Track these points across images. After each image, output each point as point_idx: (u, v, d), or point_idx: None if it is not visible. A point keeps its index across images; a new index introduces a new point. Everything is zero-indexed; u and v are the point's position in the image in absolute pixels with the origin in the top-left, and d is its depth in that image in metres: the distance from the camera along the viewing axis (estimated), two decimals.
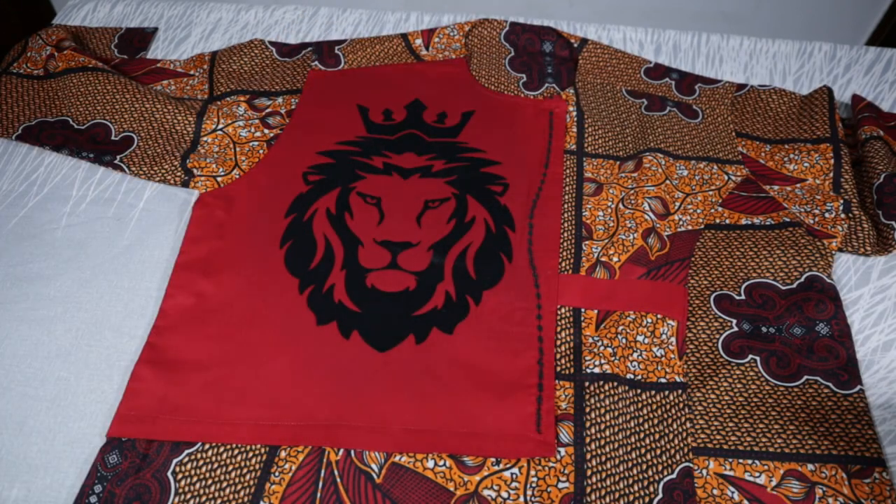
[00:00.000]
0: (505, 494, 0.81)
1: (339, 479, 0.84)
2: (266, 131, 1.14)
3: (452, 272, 0.98)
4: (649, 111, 1.16)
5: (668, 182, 1.06)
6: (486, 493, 0.82)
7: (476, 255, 1.00)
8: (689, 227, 1.02)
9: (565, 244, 1.01)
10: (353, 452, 0.85)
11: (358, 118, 1.16)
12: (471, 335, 0.93)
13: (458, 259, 0.99)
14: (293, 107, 1.18)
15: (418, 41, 1.27)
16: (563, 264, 0.99)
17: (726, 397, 0.89)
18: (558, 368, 0.90)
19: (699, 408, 0.88)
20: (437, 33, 1.27)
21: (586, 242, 1.01)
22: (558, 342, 0.93)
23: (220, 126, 1.14)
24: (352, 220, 1.03)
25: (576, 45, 1.24)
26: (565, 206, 1.05)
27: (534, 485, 0.82)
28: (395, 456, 0.85)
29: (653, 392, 0.88)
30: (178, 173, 1.09)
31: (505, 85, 1.21)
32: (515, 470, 0.83)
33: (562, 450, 0.84)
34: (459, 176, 1.08)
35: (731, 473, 0.83)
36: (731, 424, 0.86)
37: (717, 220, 1.03)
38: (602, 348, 0.91)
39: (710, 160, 1.09)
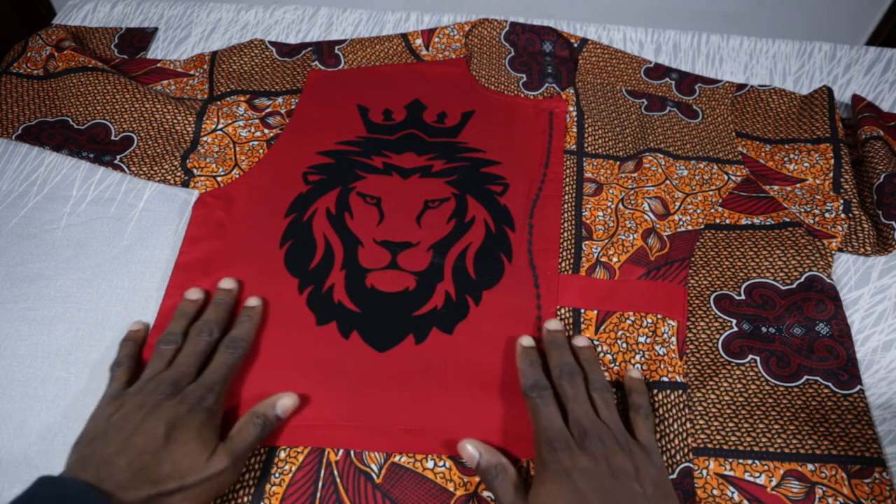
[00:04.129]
0: None
1: (338, 480, 0.84)
2: (266, 131, 1.14)
3: (452, 272, 0.98)
4: (649, 111, 1.16)
5: (668, 182, 1.06)
6: (486, 493, 0.82)
7: (476, 255, 0.99)
8: (689, 228, 1.02)
9: (565, 244, 1.01)
10: (352, 453, 0.85)
11: (358, 118, 1.16)
12: (470, 335, 0.93)
13: (457, 259, 0.99)
14: (293, 107, 1.18)
15: (418, 41, 1.27)
16: (563, 264, 0.99)
17: (726, 397, 0.89)
18: None
19: (699, 408, 0.88)
20: (437, 33, 1.27)
21: (586, 242, 1.01)
22: None
23: (220, 126, 1.14)
24: (352, 220, 1.03)
25: (576, 45, 1.24)
26: (565, 206, 1.05)
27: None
28: (394, 456, 0.85)
29: (654, 391, 0.88)
30: (178, 173, 1.09)
31: (505, 85, 1.20)
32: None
33: None
34: (459, 176, 1.07)
35: (731, 473, 0.83)
36: (731, 424, 0.87)
37: (717, 220, 1.03)
38: (602, 355, 0.91)
39: (710, 160, 1.09)
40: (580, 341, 0.91)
